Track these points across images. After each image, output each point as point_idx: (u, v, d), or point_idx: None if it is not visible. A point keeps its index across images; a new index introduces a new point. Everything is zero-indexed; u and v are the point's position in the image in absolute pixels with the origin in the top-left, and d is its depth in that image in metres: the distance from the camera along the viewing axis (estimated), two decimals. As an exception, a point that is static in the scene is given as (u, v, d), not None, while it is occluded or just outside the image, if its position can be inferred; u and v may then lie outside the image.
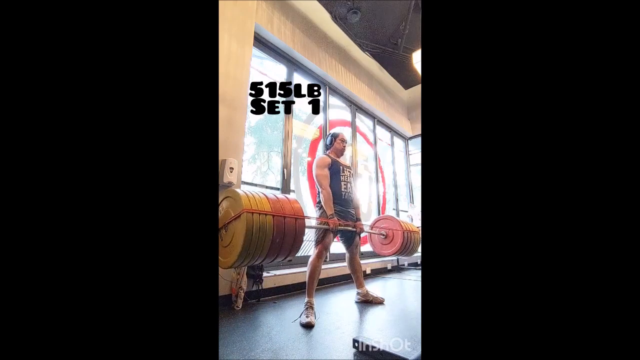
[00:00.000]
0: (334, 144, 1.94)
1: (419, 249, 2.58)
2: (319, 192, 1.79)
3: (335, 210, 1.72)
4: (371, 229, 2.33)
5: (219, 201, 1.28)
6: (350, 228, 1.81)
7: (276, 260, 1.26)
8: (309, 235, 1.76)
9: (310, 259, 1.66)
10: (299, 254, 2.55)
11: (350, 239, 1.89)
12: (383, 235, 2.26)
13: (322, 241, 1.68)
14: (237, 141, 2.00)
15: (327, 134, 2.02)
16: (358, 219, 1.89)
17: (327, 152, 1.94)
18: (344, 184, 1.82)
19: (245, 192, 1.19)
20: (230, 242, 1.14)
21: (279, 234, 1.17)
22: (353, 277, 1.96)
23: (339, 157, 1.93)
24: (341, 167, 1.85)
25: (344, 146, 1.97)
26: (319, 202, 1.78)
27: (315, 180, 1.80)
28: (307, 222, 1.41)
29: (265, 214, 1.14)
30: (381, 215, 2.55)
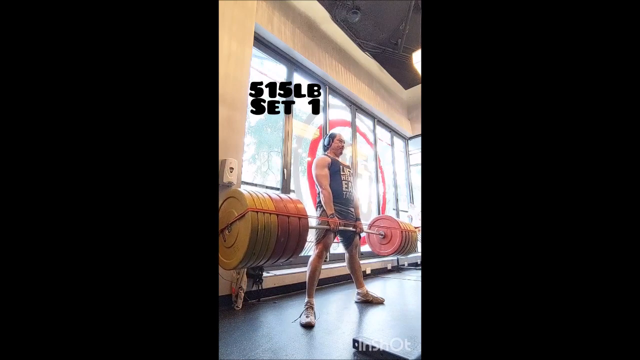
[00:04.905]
0: (332, 144, 1.96)
1: (418, 248, 2.60)
2: (319, 192, 1.79)
3: (335, 209, 1.72)
4: (369, 229, 2.34)
5: (222, 201, 1.27)
6: (350, 228, 1.81)
7: (280, 261, 1.25)
8: (309, 236, 1.75)
9: (311, 259, 1.66)
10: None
11: (350, 238, 1.89)
12: (381, 235, 2.27)
13: (322, 241, 1.68)
14: (237, 141, 2.00)
15: (326, 134, 2.05)
16: (358, 219, 1.89)
17: (326, 153, 1.96)
18: (345, 183, 1.83)
19: (249, 192, 1.19)
20: (235, 243, 1.13)
21: (283, 234, 1.16)
22: (353, 277, 1.96)
23: (337, 157, 1.95)
24: (341, 166, 1.86)
25: (343, 146, 1.99)
26: (319, 202, 1.78)
27: (315, 180, 1.80)
28: (310, 222, 1.41)
29: (270, 213, 1.14)
30: (380, 215, 2.54)
